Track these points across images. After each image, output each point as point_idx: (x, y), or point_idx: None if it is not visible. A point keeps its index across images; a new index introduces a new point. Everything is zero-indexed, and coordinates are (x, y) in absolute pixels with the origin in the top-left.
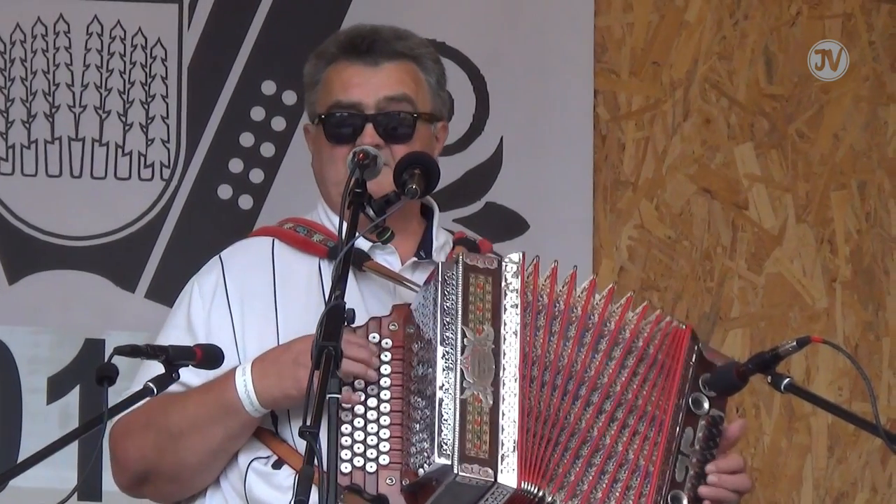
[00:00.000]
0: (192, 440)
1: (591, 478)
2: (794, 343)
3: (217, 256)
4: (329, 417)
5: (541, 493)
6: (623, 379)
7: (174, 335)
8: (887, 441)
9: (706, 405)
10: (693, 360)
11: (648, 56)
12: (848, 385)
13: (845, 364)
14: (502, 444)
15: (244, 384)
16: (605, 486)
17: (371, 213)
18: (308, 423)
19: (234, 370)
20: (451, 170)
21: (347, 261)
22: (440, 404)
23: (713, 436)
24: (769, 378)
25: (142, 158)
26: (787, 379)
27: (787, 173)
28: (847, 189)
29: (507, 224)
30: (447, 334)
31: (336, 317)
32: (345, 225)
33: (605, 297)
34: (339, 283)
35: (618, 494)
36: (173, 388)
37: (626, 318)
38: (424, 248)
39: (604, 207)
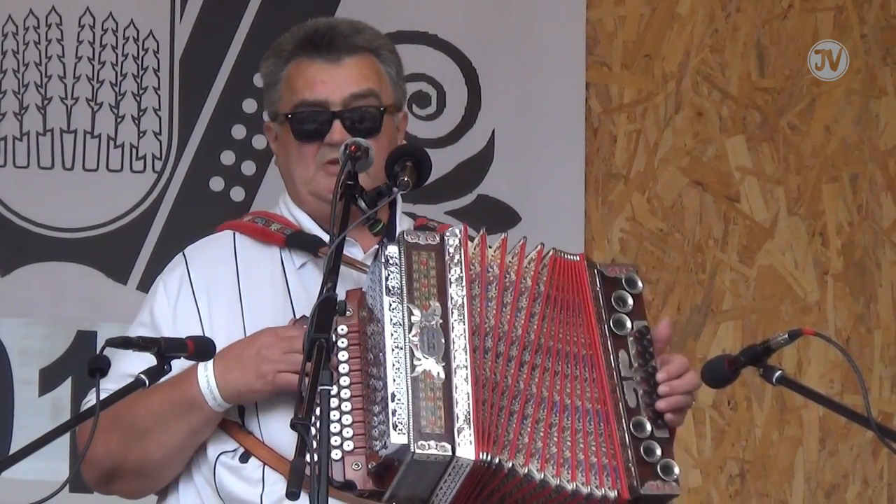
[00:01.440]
0: (156, 435)
1: (541, 434)
2: (786, 335)
3: (181, 253)
4: (321, 409)
5: (497, 461)
6: (544, 329)
7: (139, 332)
8: (878, 433)
9: (628, 323)
10: (598, 285)
11: (640, 49)
12: (839, 378)
13: (837, 357)
14: (458, 418)
15: (206, 379)
16: (556, 438)
17: (363, 205)
18: (300, 414)
19: (196, 365)
20: (442, 162)
21: (339, 253)
22: (392, 384)
23: (645, 348)
24: (761, 370)
25: (134, 150)
26: (779, 371)
27: (779, 166)
28: (839, 182)
29: (499, 216)
30: (394, 314)
31: (328, 308)
32: (336, 217)
33: (534, 260)
34: (331, 275)
35: (571, 443)
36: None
37: (525, 267)
38: (388, 237)
39: (595, 200)
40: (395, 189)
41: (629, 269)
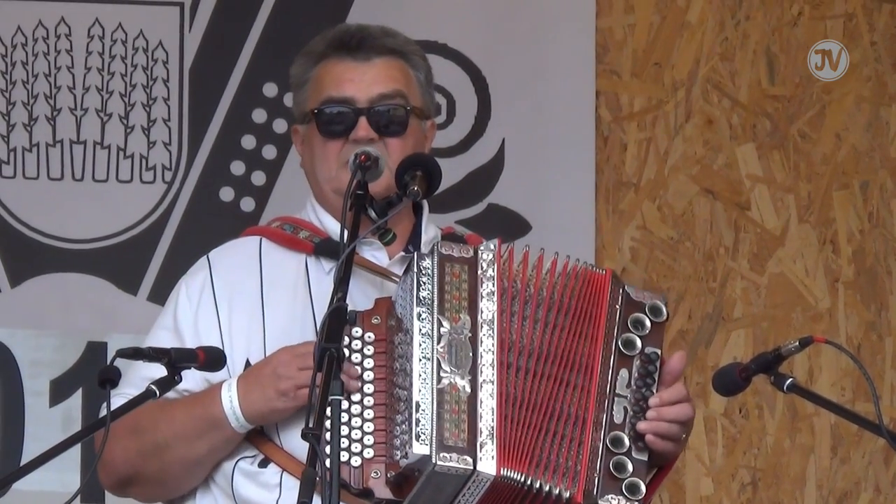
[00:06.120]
0: (176, 450)
1: (540, 442)
2: (797, 343)
3: (205, 257)
4: (332, 419)
5: (525, 479)
6: (561, 339)
7: (162, 336)
8: (890, 441)
9: (639, 344)
10: (620, 302)
11: (650, 57)
12: (851, 385)
13: (848, 364)
14: (481, 432)
15: (230, 400)
16: (547, 444)
17: (373, 214)
18: (311, 424)
19: (220, 384)
20: (452, 171)
21: (349, 263)
22: (417, 394)
23: (649, 373)
24: (772, 378)
25: (143, 161)
26: (790, 379)
27: (790, 174)
28: (849, 189)
29: (510, 225)
30: (423, 324)
31: (338, 318)
32: (346, 226)
33: (558, 272)
34: (342, 285)
35: (556, 447)
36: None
37: (543, 278)
38: (413, 243)
39: (606, 208)
40: (406, 198)
41: (657, 298)
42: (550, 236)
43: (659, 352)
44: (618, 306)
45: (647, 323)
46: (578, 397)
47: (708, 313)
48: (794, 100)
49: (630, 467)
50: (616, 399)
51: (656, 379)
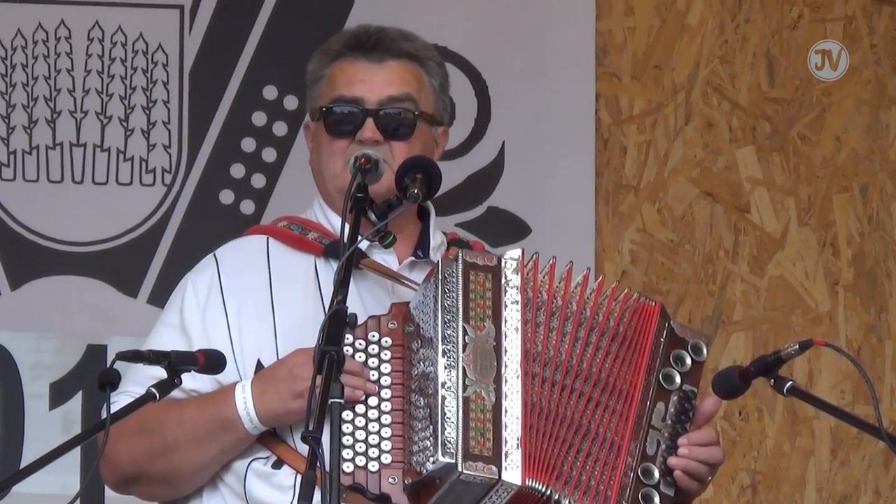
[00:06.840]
0: (186, 452)
1: (570, 459)
2: (797, 346)
3: (212, 255)
4: (332, 422)
5: (548, 491)
6: (598, 360)
7: (167, 334)
8: (890, 444)
9: (678, 380)
10: (664, 336)
11: (650, 60)
12: (850, 388)
13: (848, 367)
14: (506, 442)
15: (244, 401)
16: (578, 462)
17: (373, 217)
18: (311, 427)
19: (234, 385)
20: (452, 174)
21: (349, 266)
22: (443, 402)
23: (685, 410)
24: (772, 381)
25: (143, 164)
26: (790, 382)
27: (789, 176)
28: (849, 192)
29: (509, 228)
30: (448, 332)
31: (338, 321)
32: (346, 229)
33: (594, 290)
34: (342, 287)
35: (589, 468)
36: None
37: (599, 302)
38: (422, 248)
39: (606, 211)
40: (406, 201)
41: (700, 337)
42: (550, 239)
43: (696, 390)
44: (662, 339)
45: (688, 361)
46: (616, 422)
47: (708, 316)
48: (793, 102)
49: (657, 500)
50: (650, 431)
51: (691, 417)
